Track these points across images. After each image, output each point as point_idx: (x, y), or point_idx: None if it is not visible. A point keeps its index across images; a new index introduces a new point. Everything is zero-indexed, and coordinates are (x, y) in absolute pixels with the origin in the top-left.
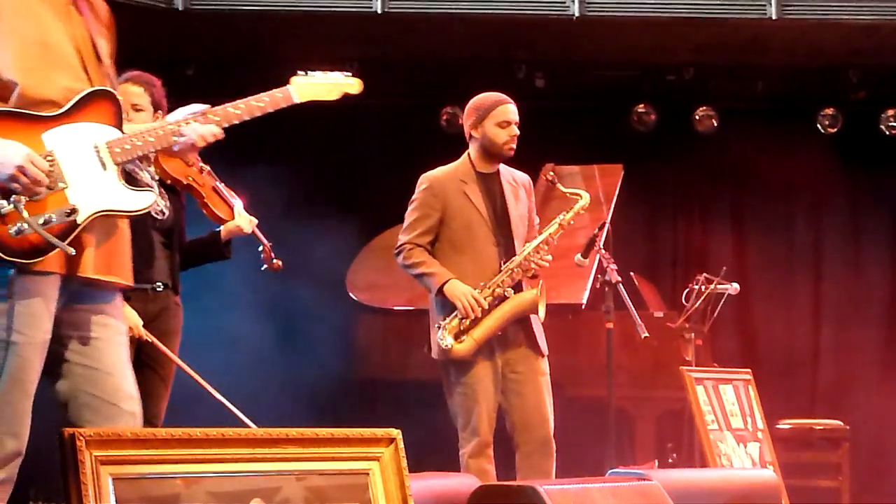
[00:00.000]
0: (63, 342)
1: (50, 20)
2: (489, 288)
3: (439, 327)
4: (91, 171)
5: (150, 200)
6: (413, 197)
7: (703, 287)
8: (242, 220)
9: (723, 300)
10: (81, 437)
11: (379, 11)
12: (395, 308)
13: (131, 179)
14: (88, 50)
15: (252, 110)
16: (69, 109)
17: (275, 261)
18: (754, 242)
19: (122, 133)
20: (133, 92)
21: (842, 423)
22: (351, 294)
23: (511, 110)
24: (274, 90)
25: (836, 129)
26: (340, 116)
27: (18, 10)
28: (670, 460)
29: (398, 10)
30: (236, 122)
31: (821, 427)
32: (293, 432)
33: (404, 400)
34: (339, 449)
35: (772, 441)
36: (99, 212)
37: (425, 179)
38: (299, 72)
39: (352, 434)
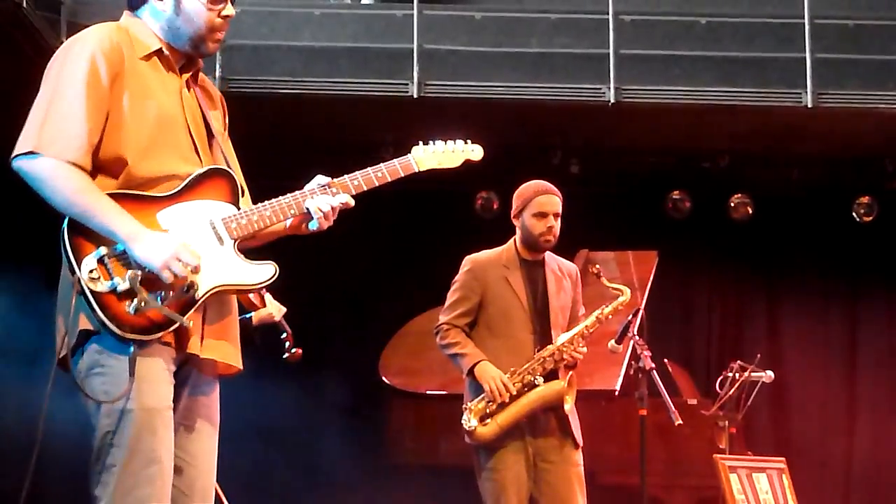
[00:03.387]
0: None
1: (166, 102)
2: (519, 374)
3: (466, 409)
4: (208, 247)
5: (270, 273)
6: (455, 278)
7: (737, 375)
8: (273, 308)
9: (757, 388)
10: None
11: (415, 96)
12: (429, 392)
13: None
14: (200, 129)
15: (371, 181)
16: (184, 188)
17: (294, 350)
18: (789, 330)
19: (239, 208)
20: None
21: None
22: (384, 378)
23: (546, 202)
24: (395, 160)
25: (871, 218)
26: (373, 201)
27: (137, 91)
28: None
29: (434, 95)
30: (357, 192)
31: None
32: None
33: (438, 485)
34: None
35: None
36: (217, 286)
37: (468, 262)
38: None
39: None
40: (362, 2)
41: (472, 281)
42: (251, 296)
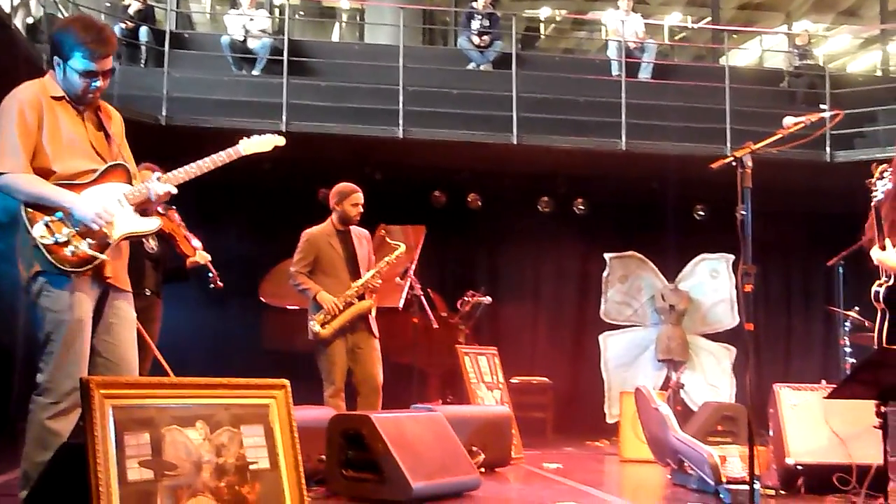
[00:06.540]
0: (95, 323)
1: (71, 126)
2: (343, 298)
3: (312, 319)
4: (117, 210)
5: (157, 223)
6: (299, 245)
7: (470, 299)
8: (200, 257)
9: (481, 307)
10: (93, 381)
11: (284, 130)
12: (288, 307)
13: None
14: (100, 141)
15: (210, 165)
16: (97, 177)
17: (218, 283)
18: (504, 273)
19: (132, 187)
20: (147, 175)
21: (548, 379)
22: (261, 298)
23: (359, 197)
24: (228, 149)
25: (549, 209)
26: (265, 194)
27: (51, 122)
28: (449, 400)
29: (296, 131)
30: (185, 179)
31: (536, 382)
32: (224, 381)
33: (293, 362)
34: (252, 391)
35: (508, 390)
36: (124, 233)
37: (305, 234)
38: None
39: (260, 382)
40: (253, 73)
41: (308, 245)
42: (185, 250)
